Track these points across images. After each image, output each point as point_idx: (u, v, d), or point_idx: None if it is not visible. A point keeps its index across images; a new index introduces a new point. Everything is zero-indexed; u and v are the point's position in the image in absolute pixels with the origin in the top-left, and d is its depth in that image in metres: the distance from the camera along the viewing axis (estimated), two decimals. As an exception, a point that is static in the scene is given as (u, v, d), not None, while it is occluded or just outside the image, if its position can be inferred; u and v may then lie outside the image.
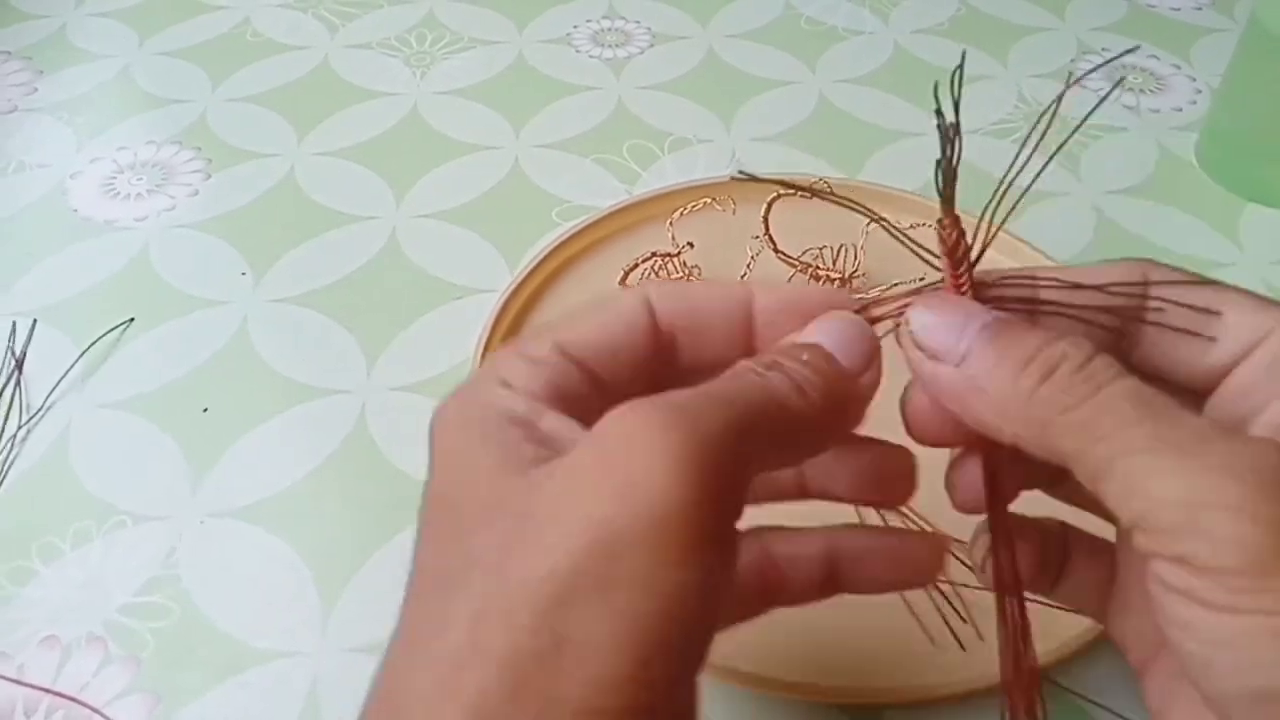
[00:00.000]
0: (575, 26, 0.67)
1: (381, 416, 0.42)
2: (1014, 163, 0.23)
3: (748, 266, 0.46)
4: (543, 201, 0.53)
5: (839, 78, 0.62)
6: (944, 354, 0.22)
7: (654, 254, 0.45)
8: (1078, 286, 0.23)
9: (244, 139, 0.57)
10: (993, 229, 0.23)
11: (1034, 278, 0.23)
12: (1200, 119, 0.58)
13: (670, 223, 0.48)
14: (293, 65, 0.63)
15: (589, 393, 0.23)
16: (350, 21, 0.67)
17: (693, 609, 0.18)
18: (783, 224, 0.47)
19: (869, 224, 0.48)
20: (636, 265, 0.45)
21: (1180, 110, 0.60)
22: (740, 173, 0.25)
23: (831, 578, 0.26)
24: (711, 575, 0.18)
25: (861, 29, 0.67)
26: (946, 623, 0.35)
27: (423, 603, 0.20)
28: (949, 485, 0.25)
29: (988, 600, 0.35)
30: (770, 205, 0.47)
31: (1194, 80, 0.62)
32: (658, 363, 0.24)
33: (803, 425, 0.21)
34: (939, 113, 0.22)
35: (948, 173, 0.23)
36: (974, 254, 0.23)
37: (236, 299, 0.47)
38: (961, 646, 0.34)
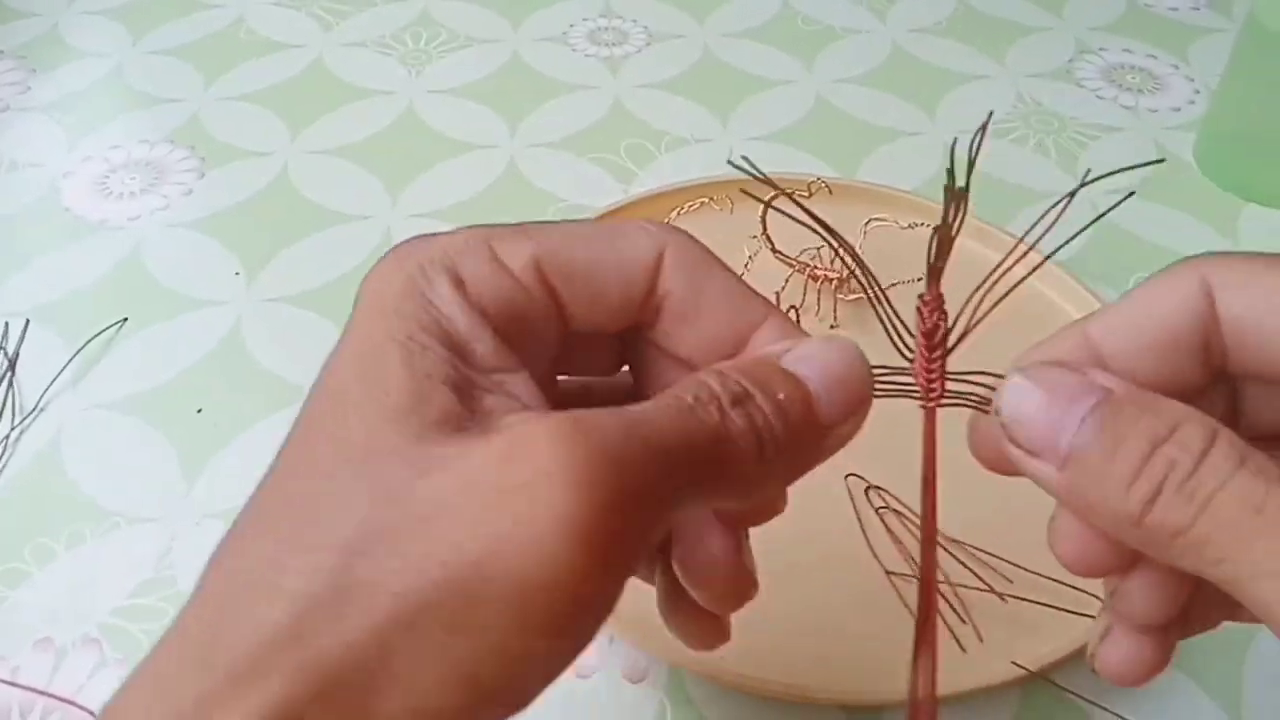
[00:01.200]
0: (571, 25, 0.67)
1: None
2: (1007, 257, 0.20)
3: (745, 267, 0.46)
4: (539, 201, 0.53)
5: (836, 77, 0.62)
6: (1043, 453, 0.19)
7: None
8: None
9: (237, 137, 0.57)
10: (977, 314, 0.20)
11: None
12: (1198, 119, 0.58)
13: (668, 221, 0.48)
14: (286, 63, 0.63)
15: (550, 327, 0.21)
16: (344, 20, 0.67)
17: (538, 674, 0.17)
18: (780, 223, 0.46)
19: (867, 223, 0.49)
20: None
21: (1178, 110, 0.60)
22: (740, 165, 0.22)
23: None
24: (576, 643, 0.17)
25: (859, 28, 0.67)
26: (945, 623, 0.35)
27: (270, 525, 0.17)
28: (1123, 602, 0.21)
29: (986, 602, 0.35)
30: (768, 204, 0.47)
31: (1192, 80, 0.62)
32: (637, 312, 0.22)
33: (749, 483, 0.19)
34: (950, 171, 0.19)
35: (943, 240, 0.19)
36: (953, 339, 0.21)
37: (230, 299, 0.47)
38: (961, 648, 0.34)
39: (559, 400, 0.21)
